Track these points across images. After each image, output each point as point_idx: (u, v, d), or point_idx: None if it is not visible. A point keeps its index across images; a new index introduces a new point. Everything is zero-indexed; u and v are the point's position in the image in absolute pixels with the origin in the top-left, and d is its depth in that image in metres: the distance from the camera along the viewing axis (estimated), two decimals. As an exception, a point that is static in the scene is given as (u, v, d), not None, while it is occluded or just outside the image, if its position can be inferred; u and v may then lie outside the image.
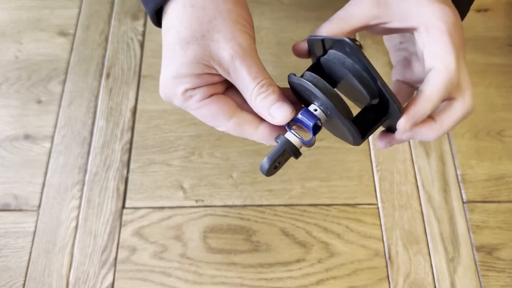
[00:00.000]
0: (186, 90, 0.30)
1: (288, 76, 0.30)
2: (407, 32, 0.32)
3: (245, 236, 0.49)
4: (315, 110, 0.30)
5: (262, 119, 0.31)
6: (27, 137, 0.55)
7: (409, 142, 0.55)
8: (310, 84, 0.28)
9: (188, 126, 0.56)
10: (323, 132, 0.55)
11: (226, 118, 0.31)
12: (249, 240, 0.49)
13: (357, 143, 0.31)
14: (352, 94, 0.32)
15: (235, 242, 0.49)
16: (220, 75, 0.30)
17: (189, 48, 0.29)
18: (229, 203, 0.51)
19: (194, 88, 0.30)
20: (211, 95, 0.30)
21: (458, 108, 0.31)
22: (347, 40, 0.27)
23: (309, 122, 0.30)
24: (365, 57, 0.27)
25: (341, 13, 0.32)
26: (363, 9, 0.31)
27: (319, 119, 0.30)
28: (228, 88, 0.32)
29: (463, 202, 0.52)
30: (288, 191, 0.52)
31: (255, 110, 0.30)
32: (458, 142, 0.55)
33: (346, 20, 0.32)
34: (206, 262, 0.48)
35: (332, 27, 0.32)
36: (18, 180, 0.52)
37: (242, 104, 0.32)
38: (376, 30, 0.33)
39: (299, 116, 0.30)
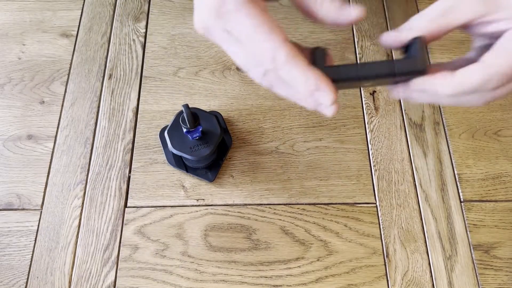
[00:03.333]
0: None
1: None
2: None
3: (245, 235, 0.50)
4: None
5: None
6: (30, 137, 0.56)
7: (407, 142, 0.55)
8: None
9: (189, 126, 0.56)
10: (323, 132, 0.56)
11: (284, 36, 0.26)
12: (249, 239, 0.50)
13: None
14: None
15: (235, 241, 0.50)
16: None
17: None
18: (230, 202, 0.52)
19: None
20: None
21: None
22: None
23: None
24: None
25: (440, 6, 0.27)
26: (468, 4, 0.27)
27: None
28: None
29: (460, 201, 0.52)
30: (287, 190, 0.53)
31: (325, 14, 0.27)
32: (455, 142, 0.55)
33: (446, 16, 0.27)
34: (207, 260, 0.49)
35: (428, 22, 0.27)
36: (21, 180, 0.53)
37: None
38: (475, 31, 0.29)
39: None
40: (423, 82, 0.28)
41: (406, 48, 0.29)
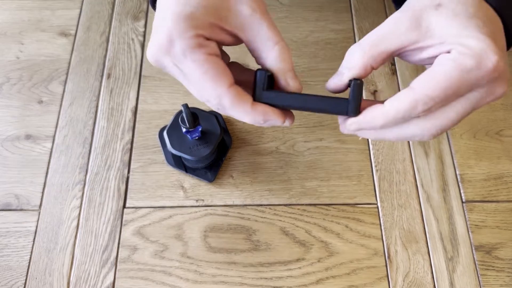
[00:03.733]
0: (198, 36, 0.26)
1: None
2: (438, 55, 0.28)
3: (245, 236, 0.50)
4: None
5: None
6: (28, 137, 0.55)
7: (408, 142, 0.55)
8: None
9: (189, 126, 0.56)
10: (324, 132, 0.55)
11: (229, 82, 0.27)
12: (249, 240, 0.49)
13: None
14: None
15: (235, 242, 0.49)
16: (229, 33, 0.28)
17: None
18: (229, 202, 0.52)
19: (208, 39, 0.27)
20: (216, 55, 0.27)
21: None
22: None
23: None
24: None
25: (372, 36, 0.28)
26: (399, 32, 0.27)
27: None
28: None
29: (462, 202, 0.52)
30: (287, 190, 0.52)
31: (272, 66, 0.28)
32: (457, 142, 0.55)
33: (378, 46, 0.28)
34: (207, 261, 0.48)
35: (361, 55, 0.28)
36: (19, 180, 0.53)
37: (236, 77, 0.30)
38: (410, 58, 0.29)
39: None
40: (357, 120, 0.29)
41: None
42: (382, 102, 0.29)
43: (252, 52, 0.29)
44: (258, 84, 0.29)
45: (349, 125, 0.30)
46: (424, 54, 0.28)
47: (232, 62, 0.32)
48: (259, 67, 0.30)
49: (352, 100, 0.29)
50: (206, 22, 0.26)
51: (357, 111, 0.29)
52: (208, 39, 0.27)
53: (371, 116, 0.28)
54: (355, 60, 0.28)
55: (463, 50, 0.26)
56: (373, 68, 0.29)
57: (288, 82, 0.29)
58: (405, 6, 0.29)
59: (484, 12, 0.28)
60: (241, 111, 0.28)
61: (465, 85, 0.26)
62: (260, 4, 0.28)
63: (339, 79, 0.29)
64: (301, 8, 0.64)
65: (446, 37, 0.27)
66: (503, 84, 0.28)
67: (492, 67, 0.26)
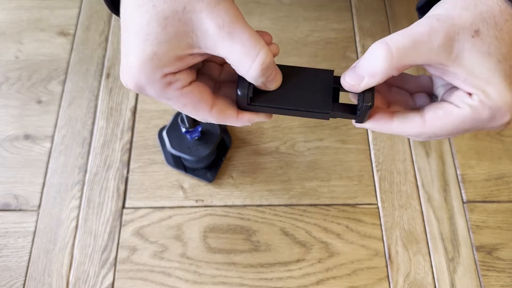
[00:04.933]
0: (166, 75, 0.25)
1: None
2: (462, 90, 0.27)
3: (245, 236, 0.49)
4: None
5: None
6: (27, 137, 0.55)
7: (409, 142, 0.55)
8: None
9: (188, 126, 0.56)
10: (324, 132, 0.55)
11: (209, 106, 0.28)
12: (249, 240, 0.49)
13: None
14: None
15: (235, 242, 0.49)
16: (202, 54, 0.26)
17: (169, 24, 0.24)
18: (229, 203, 0.51)
19: (175, 73, 0.26)
20: (191, 82, 0.27)
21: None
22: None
23: None
24: None
25: (404, 41, 0.25)
26: (431, 47, 0.25)
27: None
28: (197, 75, 0.29)
29: (463, 202, 0.52)
30: (288, 191, 0.52)
31: (252, 81, 0.27)
32: (458, 142, 0.55)
33: (407, 55, 0.25)
34: (206, 262, 0.48)
35: (389, 63, 0.25)
36: (18, 180, 0.52)
37: (215, 90, 0.30)
38: (431, 71, 0.28)
39: None
40: (363, 125, 0.30)
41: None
42: (392, 113, 0.30)
43: (232, 65, 0.27)
44: (241, 100, 0.29)
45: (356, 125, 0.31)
46: (444, 76, 0.27)
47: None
48: None
49: (361, 114, 0.29)
50: (172, 58, 0.25)
51: (363, 121, 0.30)
52: (177, 72, 0.26)
53: (379, 127, 0.30)
54: (379, 67, 0.26)
55: (484, 99, 0.26)
56: (389, 77, 0.27)
57: (269, 87, 0.29)
58: (443, 11, 0.26)
59: None
60: (229, 123, 0.30)
61: (473, 128, 0.28)
62: (229, 15, 0.25)
63: (357, 82, 0.27)
64: (302, 8, 0.64)
65: (472, 78, 0.26)
66: (506, 124, 0.28)
67: (504, 123, 0.27)
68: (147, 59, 0.25)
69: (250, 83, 0.28)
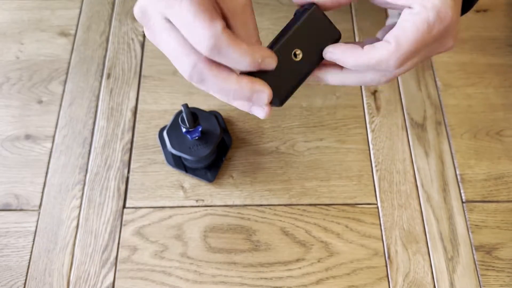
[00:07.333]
0: None
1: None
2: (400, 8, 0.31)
3: (245, 236, 0.50)
4: None
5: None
6: (28, 137, 0.55)
7: (408, 142, 0.55)
8: None
9: (189, 126, 0.56)
10: (324, 132, 0.55)
11: (215, 15, 0.26)
12: (249, 240, 0.49)
13: None
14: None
15: (235, 242, 0.49)
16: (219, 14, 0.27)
17: None
18: (229, 203, 0.51)
19: None
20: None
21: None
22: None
23: None
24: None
25: None
26: None
27: None
28: None
29: (462, 202, 0.52)
30: (287, 191, 0.52)
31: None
32: (457, 142, 0.55)
33: None
34: (207, 262, 0.48)
35: None
36: (19, 180, 0.53)
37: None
38: (376, 1, 0.32)
39: None
40: (334, 50, 0.32)
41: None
42: (362, 45, 0.32)
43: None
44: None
45: (326, 52, 0.32)
46: (393, 0, 0.30)
47: None
48: None
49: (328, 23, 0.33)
50: None
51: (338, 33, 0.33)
52: None
53: (350, 53, 0.31)
54: None
55: (424, 3, 0.29)
56: (334, 6, 0.32)
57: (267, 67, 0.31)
58: None
59: None
60: (238, 50, 0.27)
61: (431, 37, 0.29)
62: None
63: None
64: (301, 8, 0.64)
65: None
66: (453, 38, 0.31)
67: (450, 20, 0.29)
68: None
69: None
